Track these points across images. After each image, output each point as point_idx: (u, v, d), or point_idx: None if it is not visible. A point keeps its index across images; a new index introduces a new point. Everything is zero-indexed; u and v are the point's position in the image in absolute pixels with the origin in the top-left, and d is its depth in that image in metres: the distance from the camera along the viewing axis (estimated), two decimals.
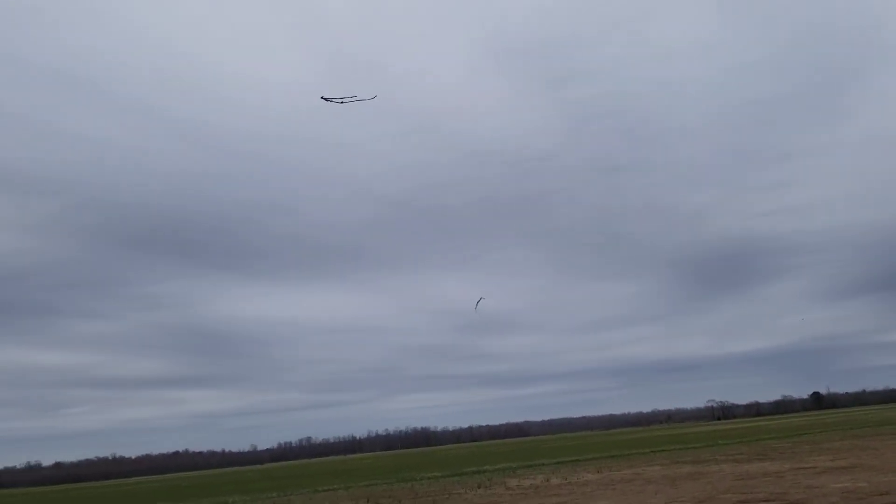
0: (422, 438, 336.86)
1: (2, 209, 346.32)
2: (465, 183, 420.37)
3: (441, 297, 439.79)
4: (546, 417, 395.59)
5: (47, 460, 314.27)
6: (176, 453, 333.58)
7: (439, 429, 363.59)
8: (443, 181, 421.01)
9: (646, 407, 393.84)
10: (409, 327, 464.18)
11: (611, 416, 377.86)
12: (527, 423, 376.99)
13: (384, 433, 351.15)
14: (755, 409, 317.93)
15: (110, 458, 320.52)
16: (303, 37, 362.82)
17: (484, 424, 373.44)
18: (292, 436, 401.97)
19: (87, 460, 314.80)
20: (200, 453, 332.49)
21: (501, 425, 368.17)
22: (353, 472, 72.34)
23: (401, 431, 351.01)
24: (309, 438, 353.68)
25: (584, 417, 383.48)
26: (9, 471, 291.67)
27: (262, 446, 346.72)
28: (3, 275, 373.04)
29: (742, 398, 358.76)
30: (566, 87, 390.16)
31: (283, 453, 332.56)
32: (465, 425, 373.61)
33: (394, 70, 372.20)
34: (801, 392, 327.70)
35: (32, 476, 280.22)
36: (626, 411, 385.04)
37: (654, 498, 21.91)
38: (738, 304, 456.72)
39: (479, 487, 32.97)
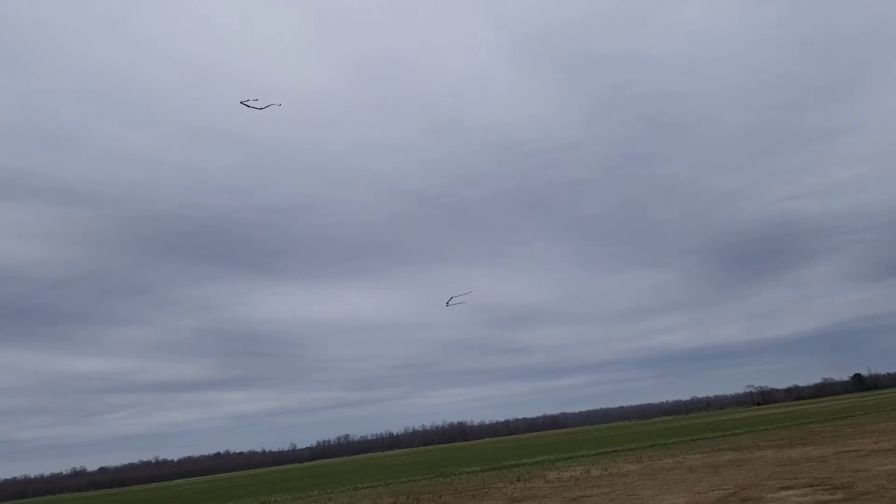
0: (459, 433, 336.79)
1: (34, 220, 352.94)
2: (488, 176, 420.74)
3: (474, 292, 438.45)
4: (582, 409, 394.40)
5: (92, 465, 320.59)
6: (217, 454, 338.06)
7: (476, 423, 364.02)
8: (466, 175, 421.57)
9: (683, 395, 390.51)
10: (440, 322, 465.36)
11: (648, 405, 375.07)
12: (563, 414, 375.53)
13: (421, 429, 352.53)
14: (795, 394, 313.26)
15: (153, 461, 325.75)
16: (325, 41, 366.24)
17: (520, 417, 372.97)
18: (330, 434, 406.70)
19: (130, 464, 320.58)
20: (241, 454, 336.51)
21: (538, 418, 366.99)
22: (392, 469, 72.68)
23: (437, 427, 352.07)
24: (347, 436, 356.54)
25: (620, 407, 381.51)
26: (56, 477, 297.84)
27: (301, 445, 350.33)
28: (43, 285, 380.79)
29: (782, 382, 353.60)
30: (586, 74, 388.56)
31: (322, 451, 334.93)
32: (502, 419, 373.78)
33: (416, 67, 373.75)
34: (842, 374, 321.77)
35: (79, 482, 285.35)
36: (663, 400, 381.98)
37: (697, 486, 21.74)
38: (773, 288, 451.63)
39: (518, 481, 32.95)
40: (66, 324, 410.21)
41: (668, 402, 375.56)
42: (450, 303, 41.66)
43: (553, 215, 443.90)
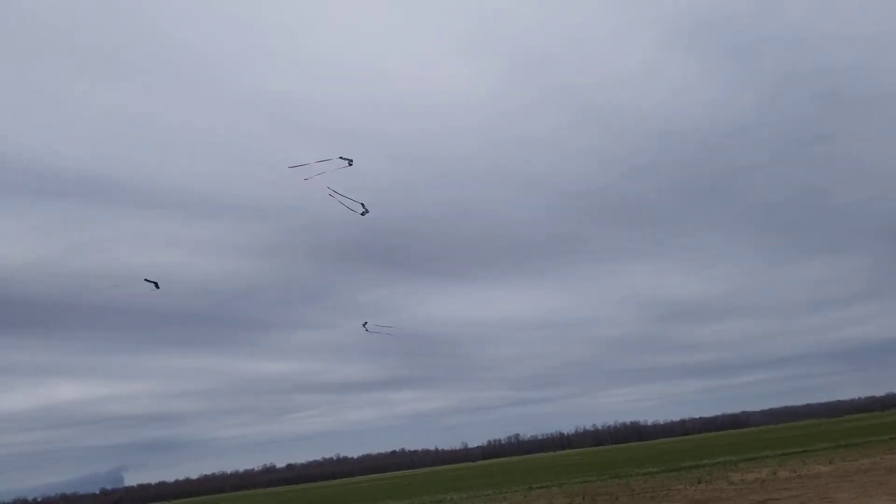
0: (632, 433, 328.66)
1: (225, 236, 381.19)
2: (652, 166, 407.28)
3: (640, 287, 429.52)
4: (765, 407, 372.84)
5: (280, 462, 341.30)
6: (393, 452, 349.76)
7: (650, 422, 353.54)
8: (628, 167, 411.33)
9: (878, 390, 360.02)
10: (611, 319, 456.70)
11: (838, 402, 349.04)
12: (744, 413, 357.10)
13: (592, 428, 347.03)
14: None
15: (335, 458, 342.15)
16: (480, 48, 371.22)
17: (697, 416, 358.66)
18: (501, 433, 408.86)
19: (314, 461, 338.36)
20: (415, 452, 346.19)
21: (716, 417, 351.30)
22: (565, 469, 72.33)
23: (609, 426, 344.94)
24: (517, 435, 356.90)
25: (807, 405, 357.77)
26: (248, 473, 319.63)
27: (472, 444, 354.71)
28: (233, 294, 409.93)
29: None
30: (755, 55, 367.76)
31: (493, 450, 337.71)
32: (677, 418, 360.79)
33: (571, 61, 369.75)
34: None
35: (269, 477, 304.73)
36: (855, 396, 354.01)
37: None
38: None
39: (698, 482, 31.85)
40: (256, 330, 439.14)
41: (860, 398, 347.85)
42: (367, 327, 41.15)
43: (724, 204, 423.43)
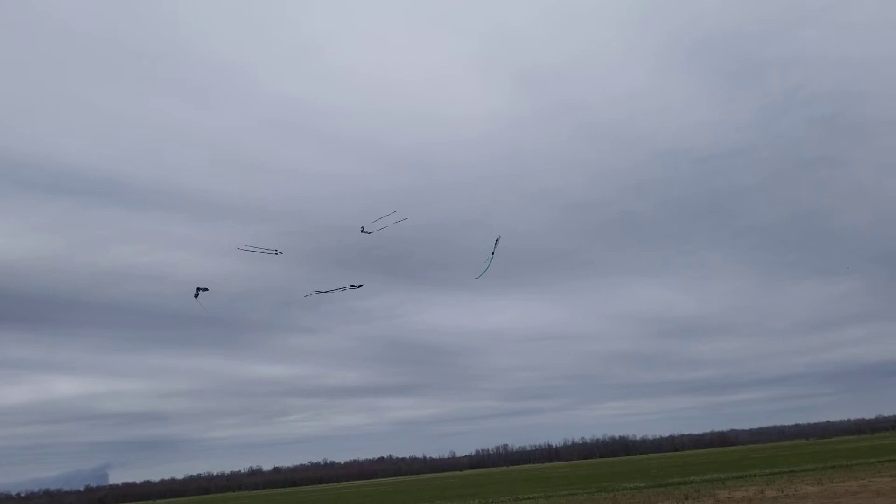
0: (620, 447, 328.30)
1: (225, 238, 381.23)
2: (653, 184, 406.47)
3: (636, 303, 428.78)
4: (754, 426, 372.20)
5: (267, 465, 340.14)
6: (381, 459, 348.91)
7: (638, 437, 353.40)
8: (630, 184, 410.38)
9: (868, 413, 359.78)
10: (605, 334, 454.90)
11: (828, 423, 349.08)
12: (733, 431, 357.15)
13: (581, 441, 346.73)
14: None
15: (322, 463, 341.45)
16: (488, 56, 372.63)
17: (686, 433, 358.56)
18: (489, 443, 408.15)
19: (301, 465, 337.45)
20: (403, 459, 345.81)
21: (705, 434, 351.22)
22: (552, 481, 72.07)
23: (598, 440, 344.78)
24: (505, 446, 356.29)
25: (797, 425, 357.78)
26: (235, 475, 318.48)
27: (460, 453, 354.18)
28: (232, 295, 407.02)
29: None
30: (757, 78, 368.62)
31: (481, 460, 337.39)
32: (666, 434, 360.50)
33: (577, 77, 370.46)
34: None
35: (255, 480, 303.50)
36: (845, 418, 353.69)
37: None
38: None
39: (685, 499, 31.68)
40: (253, 332, 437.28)
41: (849, 420, 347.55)
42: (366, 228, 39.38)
43: (723, 223, 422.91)
